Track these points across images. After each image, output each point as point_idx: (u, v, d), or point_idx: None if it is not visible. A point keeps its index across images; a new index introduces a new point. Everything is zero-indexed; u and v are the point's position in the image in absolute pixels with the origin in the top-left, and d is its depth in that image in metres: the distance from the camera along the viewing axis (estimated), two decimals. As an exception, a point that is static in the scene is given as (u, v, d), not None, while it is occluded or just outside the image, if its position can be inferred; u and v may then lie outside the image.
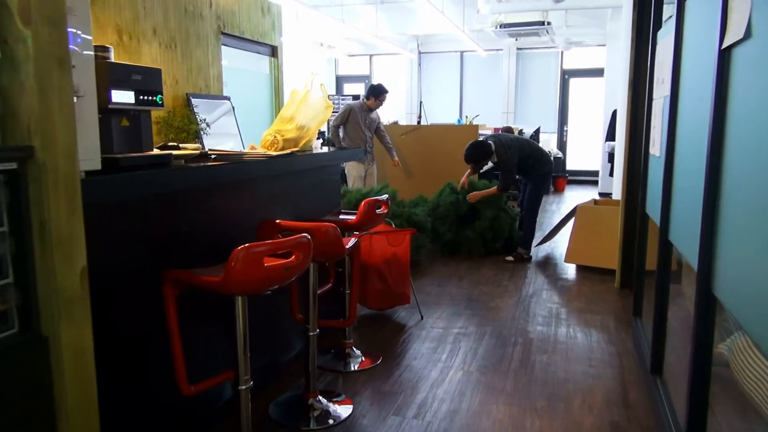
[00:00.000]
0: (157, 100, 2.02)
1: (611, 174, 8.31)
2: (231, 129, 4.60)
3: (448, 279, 4.58)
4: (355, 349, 3.09)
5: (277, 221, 2.38)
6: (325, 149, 3.45)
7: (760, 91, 1.33)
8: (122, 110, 1.93)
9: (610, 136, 8.66)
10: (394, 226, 3.91)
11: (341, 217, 3.14)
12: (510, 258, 5.18)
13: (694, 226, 1.84)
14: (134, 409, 1.95)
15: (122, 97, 1.88)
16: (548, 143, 10.98)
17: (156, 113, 3.88)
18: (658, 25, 3.07)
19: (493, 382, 2.78)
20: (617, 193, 6.76)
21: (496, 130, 8.52)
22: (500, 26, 8.86)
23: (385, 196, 3.02)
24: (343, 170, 6.30)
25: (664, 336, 2.54)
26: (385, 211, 2.97)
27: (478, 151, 5.03)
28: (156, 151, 2.17)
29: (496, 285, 4.42)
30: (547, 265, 5.10)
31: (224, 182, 2.37)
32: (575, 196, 9.26)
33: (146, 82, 1.97)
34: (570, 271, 4.89)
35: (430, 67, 12.75)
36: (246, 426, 1.98)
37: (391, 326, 3.55)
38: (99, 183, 1.60)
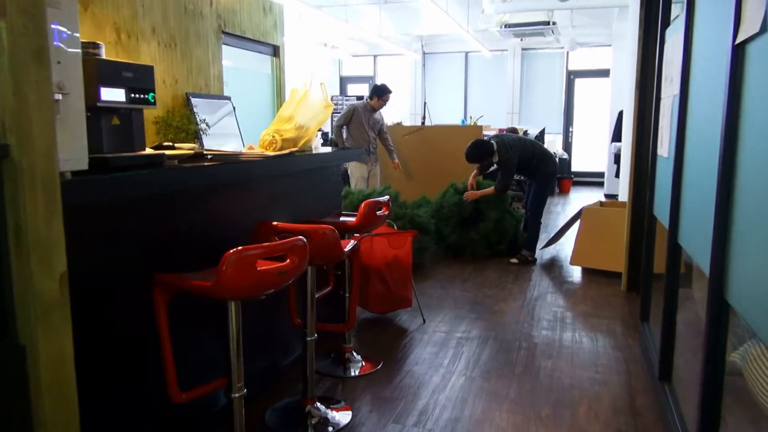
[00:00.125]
0: (149, 98, 1.96)
1: (617, 175, 8.22)
2: (232, 129, 4.55)
3: (451, 281, 4.51)
4: (355, 353, 3.03)
5: (274, 223, 2.31)
6: (325, 149, 3.39)
7: (777, 87, 1.26)
8: (113, 109, 1.87)
9: (616, 137, 8.57)
10: (396, 227, 3.84)
11: (342, 218, 3.08)
12: (514, 260, 5.11)
13: (705, 229, 1.77)
14: (126, 414, 1.89)
15: (112, 95, 1.83)
16: (553, 144, 10.89)
17: (155, 113, 3.83)
18: (666, 22, 2.99)
19: (497, 388, 2.70)
20: (623, 195, 6.67)
21: (500, 130, 8.44)
22: (505, 26, 8.78)
23: (386, 198, 2.95)
24: (346, 171, 6.25)
25: (672, 342, 2.47)
26: (386, 212, 2.90)
27: (479, 150, 4.96)
28: (149, 151, 2.11)
29: (500, 288, 4.34)
30: (552, 267, 5.02)
31: (220, 183, 2.31)
32: (581, 198, 9.17)
33: (138, 79, 1.91)
34: (575, 273, 4.80)
35: (435, 67, 12.67)
36: (240, 435, 1.91)
37: (393, 330, 3.48)
38: (85, 184, 1.54)
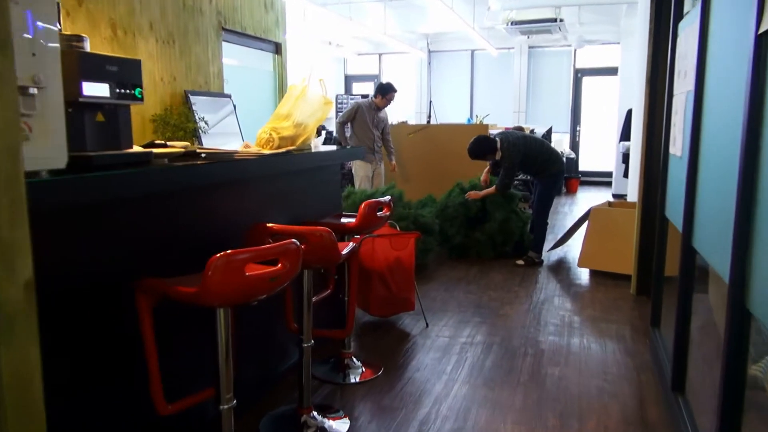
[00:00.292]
0: (136, 93, 1.87)
1: (626, 175, 8.08)
2: (232, 128, 4.46)
3: (455, 284, 4.40)
4: (355, 359, 2.93)
5: (268, 225, 2.21)
6: (325, 148, 3.28)
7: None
8: (96, 104, 1.77)
9: (625, 136, 8.43)
10: (398, 228, 3.74)
11: (342, 219, 2.98)
12: (520, 262, 4.99)
13: (724, 233, 1.65)
14: (112, 424, 1.79)
15: (96, 90, 1.73)
16: (561, 143, 10.74)
17: (153, 111, 3.75)
18: (679, 15, 2.87)
19: (501, 397, 2.60)
20: (632, 195, 6.54)
21: (506, 129, 8.32)
22: (511, 23, 8.65)
23: (387, 198, 2.85)
24: (350, 170, 6.15)
25: (686, 351, 2.35)
26: (387, 213, 2.80)
27: (481, 146, 4.84)
28: (136, 149, 2.02)
29: (505, 291, 4.23)
30: (559, 269, 4.90)
31: (212, 183, 2.21)
32: (588, 198, 9.03)
33: (123, 74, 1.81)
34: (583, 276, 4.68)
35: (440, 66, 12.55)
36: (230, 448, 1.82)
37: (394, 334, 3.38)
38: (61, 183, 1.45)
